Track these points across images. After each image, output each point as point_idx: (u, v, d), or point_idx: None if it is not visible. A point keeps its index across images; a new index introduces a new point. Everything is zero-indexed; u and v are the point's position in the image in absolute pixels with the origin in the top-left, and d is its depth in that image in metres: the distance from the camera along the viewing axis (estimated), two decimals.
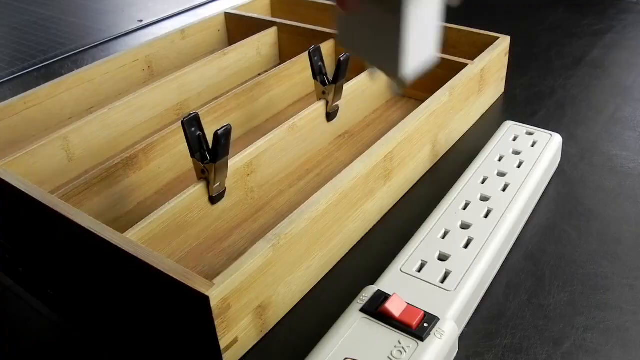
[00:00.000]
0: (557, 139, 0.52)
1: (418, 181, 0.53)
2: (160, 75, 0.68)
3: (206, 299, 0.33)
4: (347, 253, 0.45)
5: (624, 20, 0.84)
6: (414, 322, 0.34)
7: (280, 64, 0.70)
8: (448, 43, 0.67)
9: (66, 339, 0.40)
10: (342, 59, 0.52)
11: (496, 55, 0.61)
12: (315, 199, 0.40)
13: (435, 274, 0.39)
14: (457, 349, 0.36)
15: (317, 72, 0.54)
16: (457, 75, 0.56)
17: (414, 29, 0.34)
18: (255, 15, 0.73)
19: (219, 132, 0.41)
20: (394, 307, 0.35)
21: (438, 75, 0.61)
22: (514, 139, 0.52)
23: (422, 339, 0.34)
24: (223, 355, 0.36)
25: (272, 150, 0.50)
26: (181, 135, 0.49)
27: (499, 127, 0.54)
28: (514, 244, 0.45)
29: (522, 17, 0.86)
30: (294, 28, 0.70)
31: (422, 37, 0.35)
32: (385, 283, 0.38)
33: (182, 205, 0.43)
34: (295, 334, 0.39)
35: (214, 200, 0.45)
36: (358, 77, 0.59)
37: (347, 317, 0.36)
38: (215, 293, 0.33)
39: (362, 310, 0.36)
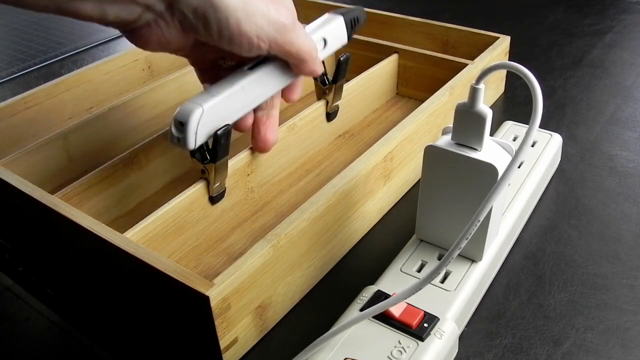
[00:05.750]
0: (557, 139, 0.52)
1: (418, 181, 0.53)
2: (160, 75, 0.68)
3: (206, 299, 0.33)
4: (347, 253, 0.45)
5: (624, 20, 0.84)
6: (414, 322, 0.34)
7: None
8: (448, 43, 0.67)
9: (66, 339, 0.40)
10: (342, 59, 0.52)
11: (496, 55, 0.61)
12: (315, 199, 0.40)
13: None
14: (457, 349, 0.36)
15: None
16: (457, 75, 0.56)
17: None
18: None
19: (219, 132, 0.41)
20: (394, 307, 0.35)
21: (438, 75, 0.61)
22: (514, 139, 0.52)
23: (422, 339, 0.34)
24: (223, 355, 0.36)
25: (272, 150, 0.50)
26: None
27: (499, 127, 0.54)
28: (514, 244, 0.45)
29: (522, 17, 0.86)
30: None
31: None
32: (385, 283, 0.38)
33: (182, 205, 0.43)
34: (295, 334, 0.39)
35: (214, 200, 0.45)
36: (358, 77, 0.59)
37: (347, 317, 0.36)
38: (215, 293, 0.33)
39: (362, 310, 0.36)
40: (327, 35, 0.47)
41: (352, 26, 0.49)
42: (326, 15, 0.49)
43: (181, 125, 0.40)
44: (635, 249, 0.44)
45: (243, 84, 0.42)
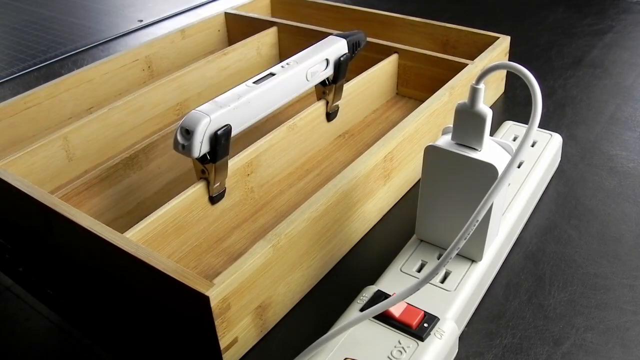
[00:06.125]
0: (557, 139, 0.52)
1: (418, 181, 0.53)
2: (160, 75, 0.68)
3: (206, 299, 0.33)
4: (347, 253, 0.45)
5: (624, 20, 0.84)
6: (414, 322, 0.34)
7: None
8: (448, 43, 0.67)
9: (66, 339, 0.40)
10: (342, 59, 0.52)
11: (496, 55, 0.61)
12: (315, 199, 0.40)
13: None
14: (457, 349, 0.37)
15: None
16: (457, 75, 0.56)
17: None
18: (255, 15, 0.73)
19: (219, 132, 0.41)
20: (394, 307, 0.35)
21: (438, 75, 0.61)
22: (514, 139, 0.52)
23: (422, 339, 0.34)
24: (223, 355, 0.36)
25: (272, 150, 0.50)
26: None
27: (499, 127, 0.54)
28: (514, 244, 0.45)
29: (522, 17, 0.87)
30: (294, 28, 0.70)
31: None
32: (385, 283, 0.38)
33: (182, 205, 0.43)
34: (295, 334, 0.39)
35: (214, 200, 0.45)
36: (358, 77, 0.59)
37: (347, 317, 0.36)
38: (216, 293, 0.33)
39: (362, 310, 0.36)
40: (330, 56, 0.51)
41: (353, 49, 0.53)
42: (330, 38, 0.52)
43: (187, 133, 0.41)
44: (635, 249, 0.44)
45: (249, 97, 0.44)
